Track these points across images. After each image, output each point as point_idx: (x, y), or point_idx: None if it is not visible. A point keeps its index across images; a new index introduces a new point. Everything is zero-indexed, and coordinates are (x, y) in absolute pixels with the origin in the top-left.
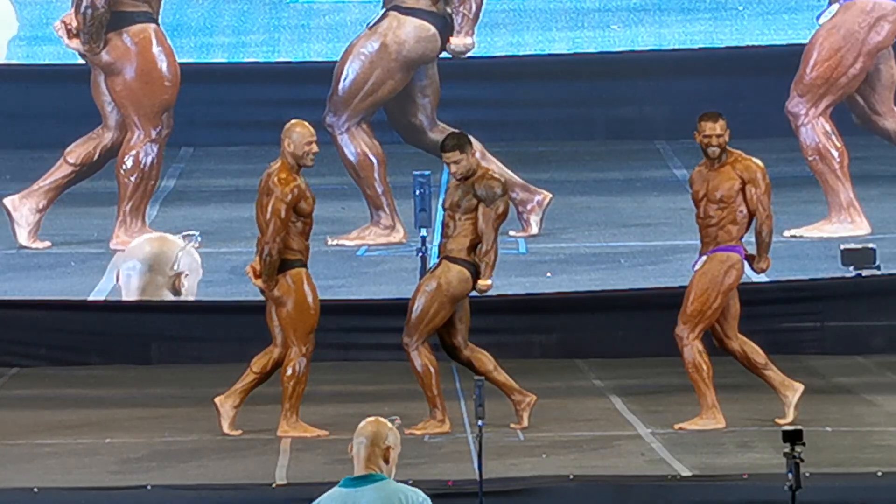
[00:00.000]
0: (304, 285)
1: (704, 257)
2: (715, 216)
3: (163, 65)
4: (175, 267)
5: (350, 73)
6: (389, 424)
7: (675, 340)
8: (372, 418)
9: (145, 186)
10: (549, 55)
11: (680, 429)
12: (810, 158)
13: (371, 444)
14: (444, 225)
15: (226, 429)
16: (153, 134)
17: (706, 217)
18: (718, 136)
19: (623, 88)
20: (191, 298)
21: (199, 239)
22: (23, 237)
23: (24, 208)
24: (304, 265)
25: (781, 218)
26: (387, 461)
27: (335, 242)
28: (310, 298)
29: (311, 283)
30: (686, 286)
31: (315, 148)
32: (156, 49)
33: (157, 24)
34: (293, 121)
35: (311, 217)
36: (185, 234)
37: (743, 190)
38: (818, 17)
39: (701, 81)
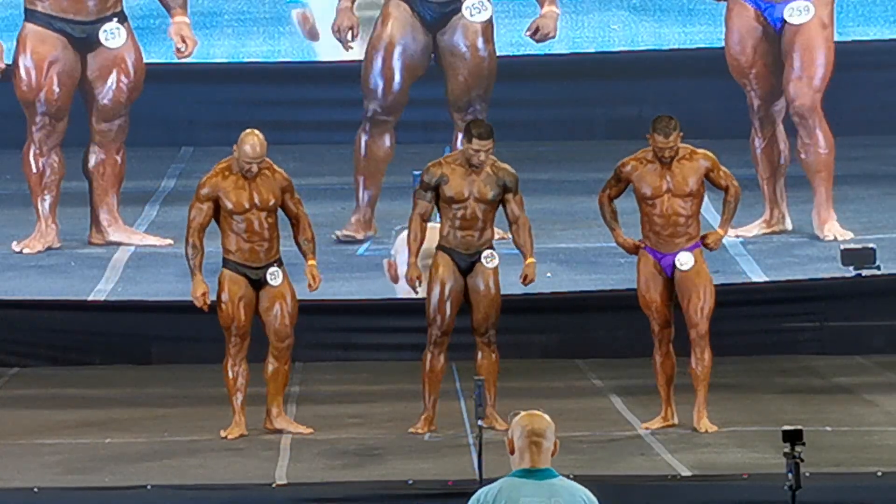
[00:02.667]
0: (222, 287)
1: (687, 253)
2: (683, 210)
3: (21, 68)
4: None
5: (488, 71)
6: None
7: (693, 343)
8: (532, 413)
9: (39, 184)
10: (549, 55)
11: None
12: (815, 154)
13: (549, 439)
14: (471, 217)
15: (304, 430)
16: (32, 131)
17: (671, 213)
18: (671, 147)
19: (623, 88)
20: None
21: None
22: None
23: (119, 231)
24: (236, 268)
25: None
26: (554, 452)
27: (341, 234)
28: (223, 301)
29: (228, 284)
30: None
31: (253, 169)
32: (21, 51)
33: (40, 25)
34: (249, 131)
35: (240, 216)
36: None
37: (707, 178)
38: (778, 22)
39: (701, 81)
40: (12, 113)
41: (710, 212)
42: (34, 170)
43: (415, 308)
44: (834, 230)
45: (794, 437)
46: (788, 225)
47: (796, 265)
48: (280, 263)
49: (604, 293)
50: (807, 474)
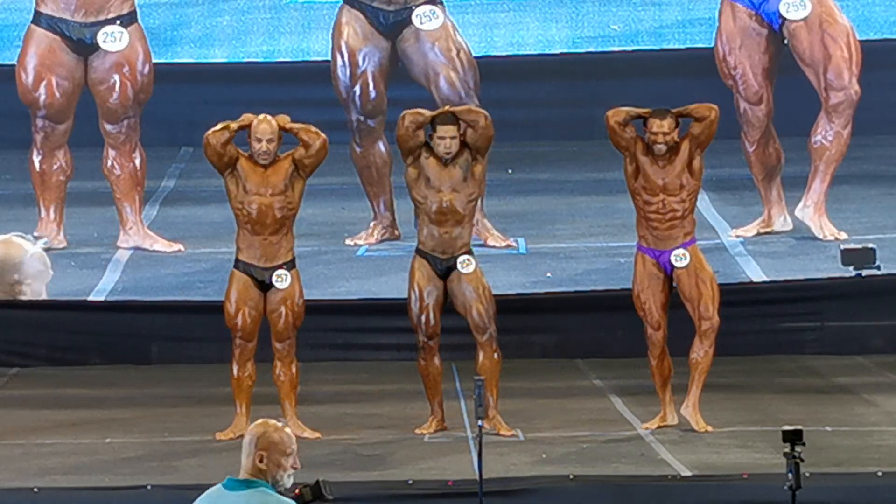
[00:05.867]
0: (229, 289)
1: (682, 250)
2: (679, 208)
3: (21, 70)
4: (17, 276)
5: (468, 64)
6: (277, 426)
7: (703, 336)
8: (259, 421)
9: (41, 184)
10: (549, 55)
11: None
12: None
13: (254, 448)
14: (446, 209)
15: (309, 434)
16: (34, 132)
17: (667, 210)
18: (665, 133)
19: (623, 88)
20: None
21: (46, 242)
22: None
23: (137, 234)
24: (240, 267)
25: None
26: (260, 462)
27: (353, 243)
28: (229, 303)
29: (235, 286)
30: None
31: (263, 147)
32: (23, 52)
33: (42, 27)
34: (263, 117)
35: (251, 199)
36: (34, 235)
37: (692, 155)
38: (780, 22)
39: (701, 81)
40: (13, 113)
41: (711, 212)
42: (36, 170)
43: None
44: (829, 227)
45: (794, 437)
46: (788, 225)
47: (796, 265)
48: (291, 267)
49: (603, 293)
50: (807, 474)
